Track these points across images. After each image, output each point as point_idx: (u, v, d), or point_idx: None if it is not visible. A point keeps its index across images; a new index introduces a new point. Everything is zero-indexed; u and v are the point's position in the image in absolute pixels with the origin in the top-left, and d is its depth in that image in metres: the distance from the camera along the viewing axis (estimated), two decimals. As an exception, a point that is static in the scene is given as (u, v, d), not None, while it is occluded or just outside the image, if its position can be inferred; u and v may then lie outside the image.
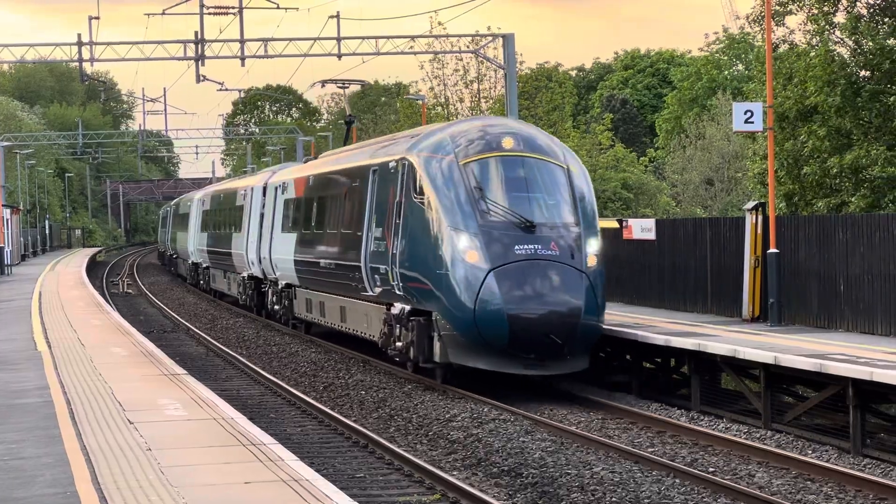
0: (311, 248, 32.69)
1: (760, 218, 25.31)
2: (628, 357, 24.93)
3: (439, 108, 65.40)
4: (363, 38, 47.11)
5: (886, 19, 33.60)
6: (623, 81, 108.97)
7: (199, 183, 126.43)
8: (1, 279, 57.99)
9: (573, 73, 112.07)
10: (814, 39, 34.15)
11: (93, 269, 76.94)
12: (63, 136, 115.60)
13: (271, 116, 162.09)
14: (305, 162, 38.46)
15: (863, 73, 33.74)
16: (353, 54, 47.01)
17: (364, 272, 27.18)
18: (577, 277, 22.69)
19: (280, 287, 37.15)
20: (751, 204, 25.91)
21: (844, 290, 23.00)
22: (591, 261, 23.03)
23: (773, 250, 24.58)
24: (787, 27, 35.18)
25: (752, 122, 25.35)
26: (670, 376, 24.69)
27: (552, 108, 63.49)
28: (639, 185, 66.57)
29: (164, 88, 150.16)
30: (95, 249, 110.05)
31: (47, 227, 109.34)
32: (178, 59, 47.44)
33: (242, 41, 46.80)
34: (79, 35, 46.72)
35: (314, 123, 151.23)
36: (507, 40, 46.51)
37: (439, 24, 60.10)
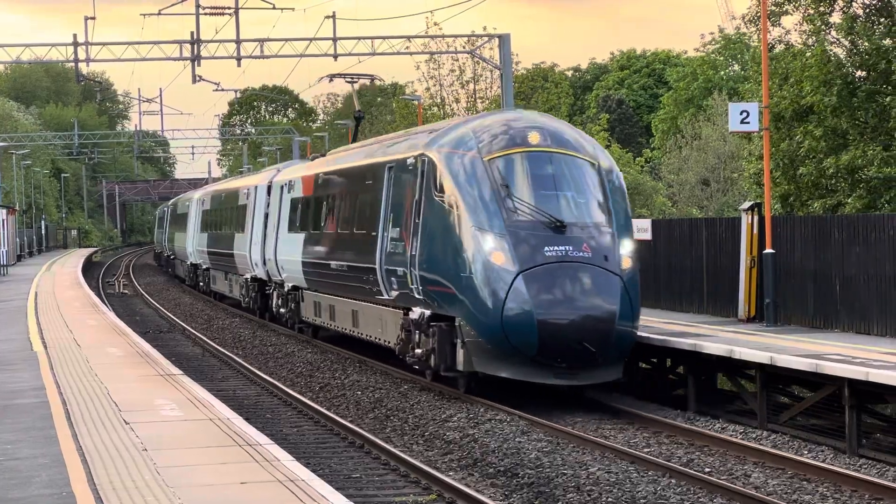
0: (321, 249, 31.39)
1: (756, 218, 25.33)
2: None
3: (435, 109, 65.36)
4: (359, 38, 47.13)
5: (882, 19, 33.63)
6: (619, 82, 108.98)
7: (195, 183, 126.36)
8: (-3, 280, 57.95)
9: (569, 74, 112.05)
10: (810, 40, 34.18)
11: (89, 269, 76.90)
12: (59, 137, 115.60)
13: (267, 117, 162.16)
14: (312, 160, 37.15)
15: (859, 73, 33.77)
16: (350, 54, 47.01)
17: (379, 274, 25.84)
18: (611, 280, 21.47)
19: (286, 289, 35.85)
20: (747, 204, 25.93)
21: (840, 291, 23.01)
22: (626, 263, 21.81)
23: (768, 250, 24.60)
24: (782, 27, 35.24)
25: (748, 123, 25.37)
26: (666, 376, 24.70)
27: (548, 109, 63.47)
28: (635, 186, 66.56)
29: (161, 89, 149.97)
30: (91, 250, 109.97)
31: (43, 227, 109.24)
32: (175, 59, 47.43)
33: (238, 41, 46.80)
34: (74, 35, 46.72)
35: (310, 124, 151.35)
36: (503, 40, 46.52)
37: (435, 24, 60.05)
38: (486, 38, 49.99)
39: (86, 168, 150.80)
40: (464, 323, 22.08)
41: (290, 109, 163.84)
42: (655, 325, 24.93)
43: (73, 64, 48.24)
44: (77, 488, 12.19)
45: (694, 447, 18.86)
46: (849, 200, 32.57)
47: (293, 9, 53.37)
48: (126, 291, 61.03)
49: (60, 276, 59.62)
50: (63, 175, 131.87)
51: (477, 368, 22.12)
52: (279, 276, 36.65)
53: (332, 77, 43.41)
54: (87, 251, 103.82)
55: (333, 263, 29.75)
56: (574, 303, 21.23)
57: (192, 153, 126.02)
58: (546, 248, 21.47)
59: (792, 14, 34.73)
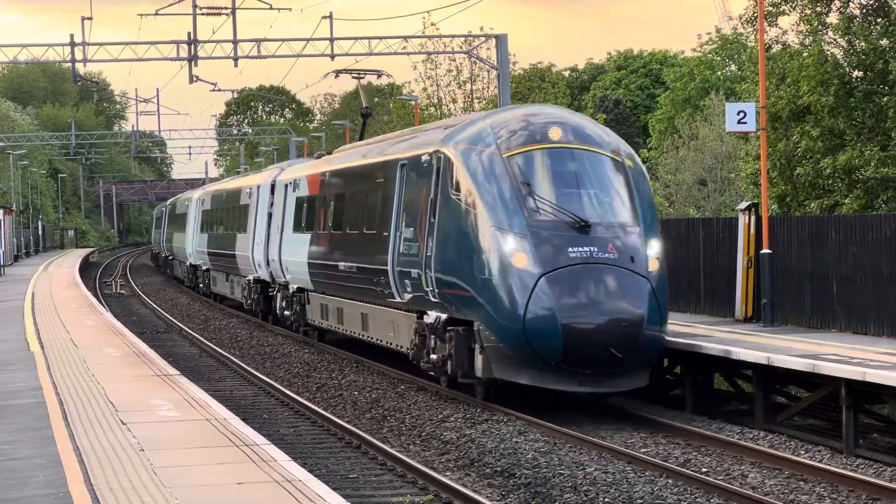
0: (329, 250, 30.34)
1: (753, 218, 25.34)
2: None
3: (432, 109, 65.38)
4: (356, 38, 47.17)
5: (879, 20, 33.61)
6: (616, 82, 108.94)
7: (192, 183, 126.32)
8: (-6, 280, 57.92)
9: (566, 74, 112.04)
10: (807, 40, 34.16)
11: (86, 269, 76.89)
12: (56, 137, 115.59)
13: (264, 117, 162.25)
14: (318, 157, 36.14)
15: (856, 73, 33.75)
16: (347, 55, 47.03)
17: (391, 276, 24.89)
18: (639, 283, 20.54)
19: (291, 291, 34.76)
20: (744, 204, 25.94)
21: (837, 291, 23.03)
22: (653, 264, 20.85)
23: (765, 251, 24.61)
24: (779, 27, 35.20)
25: (745, 123, 25.37)
26: (664, 376, 24.69)
27: (545, 109, 63.40)
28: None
29: (157, 89, 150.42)
30: (88, 250, 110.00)
31: (40, 227, 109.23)
32: (171, 59, 47.44)
33: (235, 42, 46.80)
34: (71, 35, 46.73)
35: (307, 124, 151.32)
36: (500, 41, 46.55)
37: (432, 24, 60.09)
38: (483, 39, 50.02)
39: (83, 168, 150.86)
40: (483, 327, 21.24)
41: (287, 110, 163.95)
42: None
43: (70, 64, 48.28)
44: (74, 488, 12.19)
45: (691, 447, 18.86)
46: (846, 201, 32.56)
47: (290, 9, 53.49)
48: (123, 292, 61.01)
49: (57, 276, 59.60)
50: (60, 175, 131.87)
51: (497, 375, 21.28)
52: (283, 277, 35.72)
53: (337, 73, 42.62)
54: (83, 251, 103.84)
55: (342, 265, 28.82)
56: (600, 306, 20.30)
57: (189, 153, 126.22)
58: (570, 249, 20.55)
59: (789, 14, 34.73)
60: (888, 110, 32.23)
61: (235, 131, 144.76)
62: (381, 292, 25.68)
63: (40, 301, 40.48)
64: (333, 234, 30.03)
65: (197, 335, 36.82)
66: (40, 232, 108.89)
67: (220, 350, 32.46)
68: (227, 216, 47.34)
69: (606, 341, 20.14)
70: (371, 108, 43.99)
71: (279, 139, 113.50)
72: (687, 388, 22.62)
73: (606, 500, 15.36)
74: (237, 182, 49.61)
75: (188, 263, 59.35)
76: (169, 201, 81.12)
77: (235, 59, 46.87)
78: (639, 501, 15.31)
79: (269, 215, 38.08)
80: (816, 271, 23.57)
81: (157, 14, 49.25)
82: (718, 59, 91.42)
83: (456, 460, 18.03)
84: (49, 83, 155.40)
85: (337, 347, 31.79)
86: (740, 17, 36.12)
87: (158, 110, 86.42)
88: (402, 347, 25.38)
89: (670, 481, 16.32)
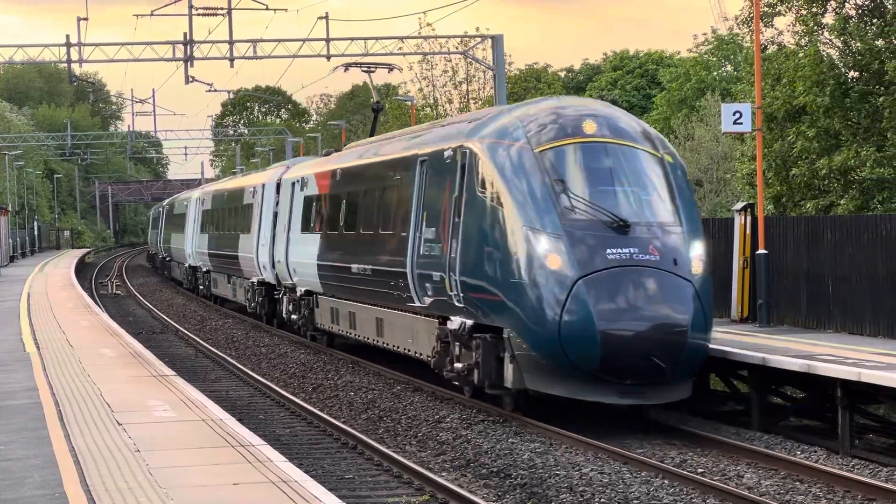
0: (340, 251, 28.84)
1: (749, 219, 25.35)
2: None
3: (428, 110, 65.42)
4: (352, 39, 47.25)
5: (875, 20, 33.63)
6: (612, 82, 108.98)
7: (188, 184, 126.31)
8: (-11, 280, 57.90)
9: (562, 74, 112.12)
10: (802, 40, 34.17)
11: (81, 270, 76.86)
12: (52, 138, 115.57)
13: (260, 118, 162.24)
14: (326, 155, 34.80)
15: (851, 73, 33.78)
16: (343, 55, 47.06)
17: (410, 279, 23.43)
18: (682, 287, 19.21)
19: (298, 294, 33.18)
20: (739, 205, 25.96)
21: (833, 291, 23.04)
22: (697, 267, 19.48)
23: (761, 251, 24.62)
24: (775, 28, 35.21)
25: (741, 123, 25.38)
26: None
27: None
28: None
29: (153, 89, 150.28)
30: (84, 251, 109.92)
31: (36, 228, 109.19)
32: (167, 60, 47.45)
33: (231, 42, 46.83)
34: (67, 36, 46.75)
35: (303, 124, 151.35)
36: (496, 41, 46.57)
37: (428, 24, 60.13)
38: (478, 39, 50.06)
39: (78, 169, 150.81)
40: (513, 334, 19.77)
41: (283, 110, 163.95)
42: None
43: (65, 64, 48.29)
44: (69, 489, 12.18)
45: (687, 448, 18.86)
46: (841, 201, 32.58)
47: (286, 10, 53.54)
48: (119, 292, 60.98)
49: (53, 276, 59.58)
50: (56, 176, 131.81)
51: (528, 386, 19.82)
52: (290, 279, 34.08)
53: (347, 66, 41.59)
54: (79, 252, 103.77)
55: (355, 266, 27.38)
56: (641, 312, 18.95)
57: (185, 154, 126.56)
58: (608, 251, 19.19)
59: (784, 15, 34.73)
60: (884, 111, 32.25)
61: (231, 132, 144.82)
62: (399, 296, 24.31)
63: (36, 302, 40.46)
64: (345, 235, 28.71)
65: (193, 336, 36.81)
66: (36, 233, 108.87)
67: (216, 351, 32.44)
68: (229, 216, 45.70)
69: (648, 349, 18.87)
70: (382, 103, 42.78)
71: (275, 140, 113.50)
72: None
73: (602, 500, 15.36)
74: (240, 181, 47.86)
75: (187, 265, 57.76)
76: (166, 201, 79.75)
77: (231, 59, 46.89)
78: (635, 502, 15.31)
79: (275, 215, 36.61)
80: (812, 272, 23.59)
81: (152, 14, 49.32)
82: (714, 59, 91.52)
83: (452, 461, 18.03)
84: (45, 84, 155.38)
85: (338, 350, 31.76)
86: (736, 18, 36.17)
87: (154, 111, 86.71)
88: (421, 354, 24.09)
89: (666, 482, 16.33)
